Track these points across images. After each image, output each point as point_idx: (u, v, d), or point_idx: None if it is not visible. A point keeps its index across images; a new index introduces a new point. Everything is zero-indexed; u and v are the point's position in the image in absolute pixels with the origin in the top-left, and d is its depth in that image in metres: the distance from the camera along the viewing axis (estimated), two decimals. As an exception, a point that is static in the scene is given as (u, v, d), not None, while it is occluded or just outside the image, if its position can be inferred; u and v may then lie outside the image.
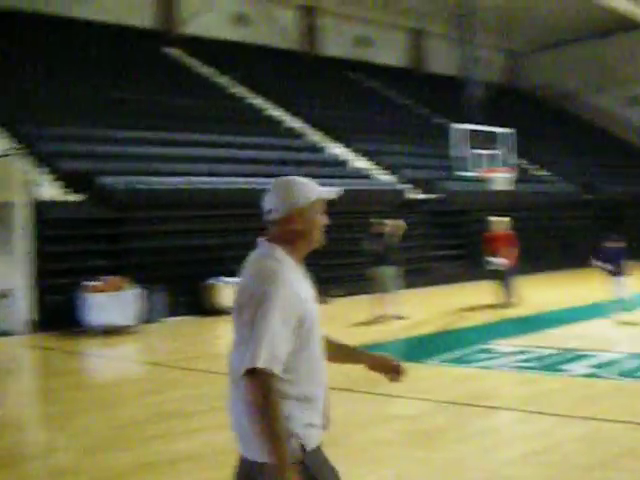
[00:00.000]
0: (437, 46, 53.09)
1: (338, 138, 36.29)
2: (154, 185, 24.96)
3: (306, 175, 4.96)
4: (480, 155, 31.69)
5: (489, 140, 31.92)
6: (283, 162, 29.70)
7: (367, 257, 21.20)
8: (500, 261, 21.80)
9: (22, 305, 21.46)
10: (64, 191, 24.25)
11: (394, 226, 20.85)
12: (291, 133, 35.99)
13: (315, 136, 36.54)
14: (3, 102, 27.89)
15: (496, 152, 31.86)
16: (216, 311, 22.44)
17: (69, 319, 20.87)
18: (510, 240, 22.37)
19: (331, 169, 32.24)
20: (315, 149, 34.97)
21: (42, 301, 21.72)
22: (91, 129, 28.16)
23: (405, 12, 49.76)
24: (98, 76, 33.27)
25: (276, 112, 38.02)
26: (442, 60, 52.38)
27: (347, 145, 35.90)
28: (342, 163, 34.05)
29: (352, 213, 26.45)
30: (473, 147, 31.30)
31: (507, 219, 22.86)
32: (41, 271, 21.90)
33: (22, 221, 21.83)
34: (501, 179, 32.06)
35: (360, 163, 34.74)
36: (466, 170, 31.41)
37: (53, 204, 22.94)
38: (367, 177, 33.36)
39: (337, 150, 35.54)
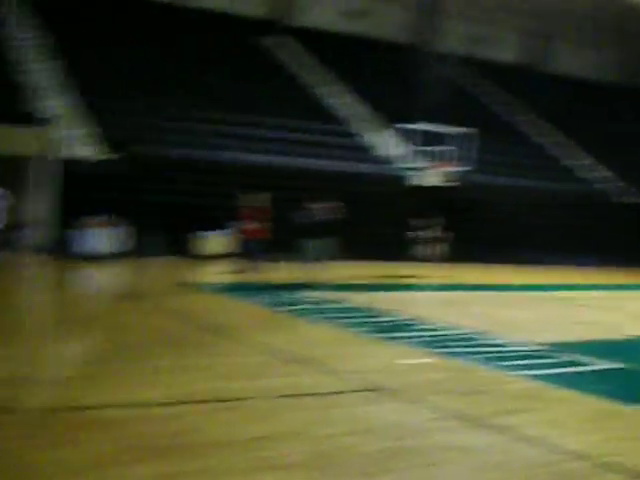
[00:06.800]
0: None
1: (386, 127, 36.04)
2: (168, 152, 28.38)
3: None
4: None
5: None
6: (305, 143, 32.14)
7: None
8: None
9: (42, 233, 25.44)
10: (102, 152, 27.50)
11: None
12: (336, 120, 36.63)
13: (361, 124, 36.65)
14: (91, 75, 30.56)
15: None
16: (197, 257, 25.35)
17: (70, 246, 24.47)
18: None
19: (349, 153, 33.41)
20: (349, 135, 35.58)
21: (55, 231, 25.44)
22: (151, 105, 30.94)
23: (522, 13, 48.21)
24: (186, 60, 35.20)
25: (339, 100, 38.21)
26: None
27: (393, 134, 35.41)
28: (366, 149, 34.97)
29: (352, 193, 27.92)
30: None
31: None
32: (62, 209, 25.68)
33: (54, 172, 25.91)
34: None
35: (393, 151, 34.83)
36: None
37: (82, 161, 26.58)
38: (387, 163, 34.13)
39: (374, 138, 35.82)
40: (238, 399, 7.86)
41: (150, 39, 35.75)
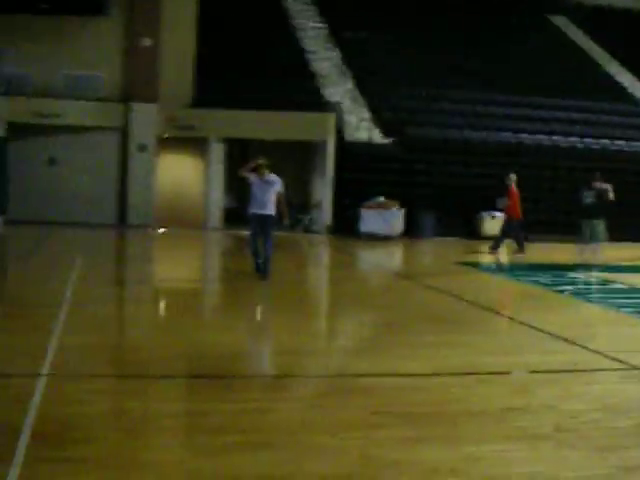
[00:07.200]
0: None
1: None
2: (445, 135, 28.75)
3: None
4: None
5: None
6: (592, 123, 31.31)
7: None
8: None
9: (325, 214, 26.96)
10: (378, 135, 28.60)
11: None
12: (625, 98, 35.39)
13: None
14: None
15: None
16: (479, 237, 25.47)
17: (351, 227, 25.36)
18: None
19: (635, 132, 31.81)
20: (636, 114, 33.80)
21: (337, 212, 26.78)
22: (425, 88, 31.36)
23: None
24: (464, 42, 35.46)
25: (625, 78, 37.28)
26: None
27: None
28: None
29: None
30: None
31: None
32: (340, 191, 26.82)
33: (332, 155, 27.14)
34: None
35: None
36: None
37: (361, 144, 27.93)
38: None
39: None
40: (497, 373, 8.06)
41: (420, 23, 36.09)
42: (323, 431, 6.06)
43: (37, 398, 6.53)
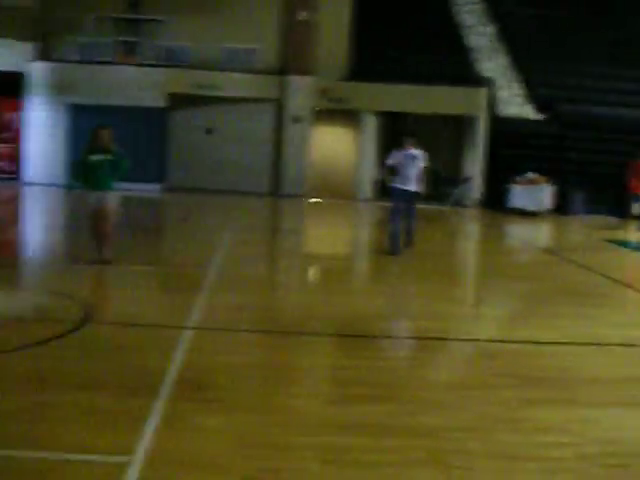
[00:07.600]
0: None
1: None
2: (597, 112, 28.15)
3: None
4: None
5: None
6: None
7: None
8: None
9: (476, 188, 27.08)
10: (529, 111, 28.57)
11: None
12: None
13: None
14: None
15: None
16: (625, 216, 24.06)
17: (500, 201, 25.11)
18: None
19: None
20: None
21: (487, 187, 26.90)
22: (578, 63, 30.25)
23: None
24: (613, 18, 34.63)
25: None
26: None
27: None
28: None
29: None
30: None
31: None
32: (491, 166, 26.98)
33: (483, 130, 27.28)
34: None
35: None
36: None
37: (512, 120, 27.81)
38: None
39: None
40: (620, 345, 8.30)
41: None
42: (445, 389, 6.55)
43: (186, 347, 7.24)
